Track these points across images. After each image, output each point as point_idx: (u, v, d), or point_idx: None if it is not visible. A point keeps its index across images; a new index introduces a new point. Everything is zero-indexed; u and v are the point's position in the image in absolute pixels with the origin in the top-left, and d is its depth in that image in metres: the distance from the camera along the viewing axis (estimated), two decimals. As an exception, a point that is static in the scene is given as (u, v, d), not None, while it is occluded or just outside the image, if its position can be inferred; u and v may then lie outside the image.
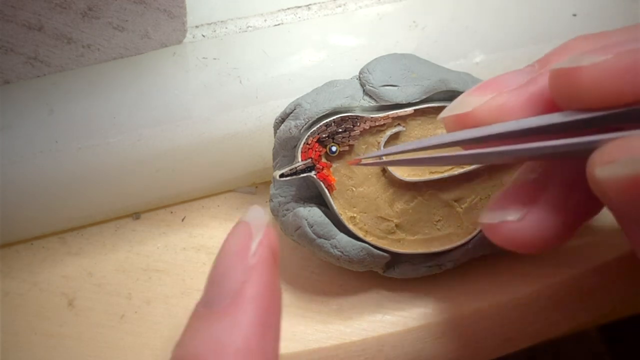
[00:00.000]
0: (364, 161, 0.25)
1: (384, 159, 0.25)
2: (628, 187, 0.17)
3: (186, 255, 0.29)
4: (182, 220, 0.31)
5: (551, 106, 0.20)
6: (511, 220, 0.21)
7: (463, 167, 0.27)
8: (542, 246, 0.21)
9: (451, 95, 0.27)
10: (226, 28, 0.31)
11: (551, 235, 0.21)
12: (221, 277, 0.20)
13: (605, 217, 0.30)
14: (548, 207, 0.21)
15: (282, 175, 0.25)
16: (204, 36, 0.31)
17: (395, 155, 0.24)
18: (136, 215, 0.31)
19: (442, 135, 0.22)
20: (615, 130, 0.18)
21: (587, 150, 0.18)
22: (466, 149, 0.22)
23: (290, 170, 0.25)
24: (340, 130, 0.25)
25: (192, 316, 0.20)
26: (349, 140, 0.26)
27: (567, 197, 0.21)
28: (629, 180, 0.17)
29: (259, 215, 0.21)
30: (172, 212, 0.31)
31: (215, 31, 0.31)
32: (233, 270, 0.20)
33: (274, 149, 0.27)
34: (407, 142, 0.25)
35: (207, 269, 0.29)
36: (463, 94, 0.22)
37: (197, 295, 0.28)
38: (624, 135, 0.17)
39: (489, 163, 0.21)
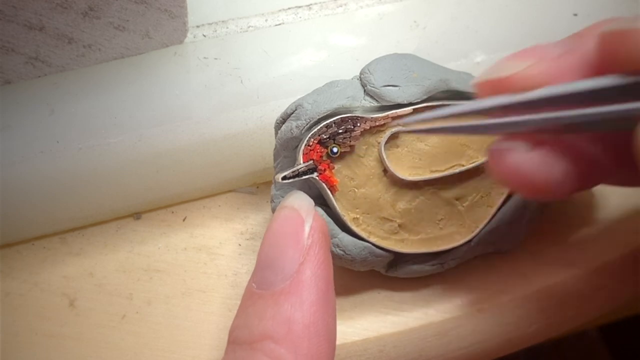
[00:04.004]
0: (410, 127, 0.24)
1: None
2: None
3: (187, 255, 0.29)
4: (183, 220, 0.31)
5: (595, 75, 0.19)
6: (520, 149, 0.20)
7: (463, 165, 0.27)
8: (542, 188, 0.20)
9: (452, 94, 0.27)
10: (227, 28, 0.31)
11: (555, 180, 0.20)
12: (276, 259, 0.21)
13: (605, 217, 0.30)
14: (561, 150, 0.20)
15: (284, 178, 0.25)
16: (204, 36, 0.31)
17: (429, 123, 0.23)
18: (137, 216, 0.31)
19: (478, 100, 0.21)
20: None
21: (632, 119, 0.17)
22: (494, 118, 0.21)
23: (292, 172, 0.25)
24: (340, 131, 0.25)
25: (248, 298, 0.21)
26: (349, 141, 0.26)
27: (585, 148, 0.20)
28: None
29: (305, 201, 0.23)
30: (173, 212, 0.31)
31: (216, 31, 0.31)
32: (289, 252, 0.21)
33: (275, 149, 0.27)
34: (439, 109, 0.22)
35: (208, 269, 0.29)
36: (501, 60, 0.21)
37: (198, 295, 0.28)
38: None
39: (520, 131, 0.20)
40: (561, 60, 0.20)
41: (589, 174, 0.21)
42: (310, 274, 0.21)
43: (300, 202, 0.23)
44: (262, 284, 0.21)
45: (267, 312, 0.20)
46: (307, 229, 0.22)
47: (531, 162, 0.20)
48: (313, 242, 0.22)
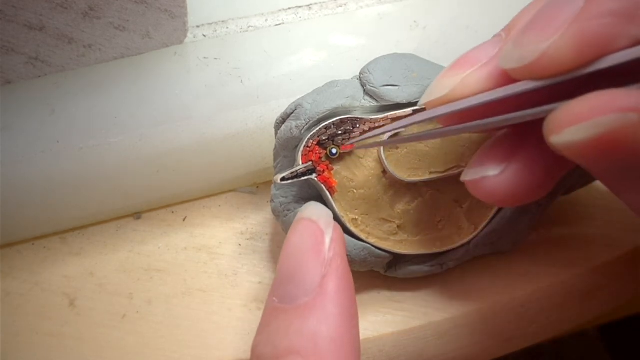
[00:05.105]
0: (356, 145, 0.25)
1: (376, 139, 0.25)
2: (583, 149, 0.17)
3: (187, 255, 0.30)
4: (184, 220, 0.31)
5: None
6: (491, 175, 0.21)
7: (463, 167, 0.27)
8: (521, 199, 0.22)
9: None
10: (227, 28, 0.31)
11: (529, 188, 0.21)
12: (297, 273, 0.21)
13: (605, 217, 0.30)
14: (525, 162, 0.21)
15: (283, 179, 0.25)
16: (205, 36, 0.31)
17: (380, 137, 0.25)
18: (137, 215, 0.31)
19: (422, 113, 0.23)
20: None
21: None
22: (445, 125, 0.23)
23: (291, 173, 0.25)
24: (340, 132, 0.25)
25: (270, 313, 0.21)
26: (349, 142, 0.26)
27: (542, 151, 0.21)
28: (580, 144, 0.17)
29: (324, 212, 0.23)
30: (173, 212, 0.31)
31: (216, 31, 0.31)
32: (310, 265, 0.21)
33: (274, 149, 0.27)
34: (395, 123, 0.25)
35: (208, 268, 0.29)
36: (438, 77, 0.22)
37: (198, 295, 0.28)
38: (564, 104, 0.18)
39: (468, 132, 0.23)
40: (490, 65, 0.21)
41: (556, 171, 0.22)
42: (334, 286, 0.20)
43: (319, 213, 0.23)
44: (284, 298, 0.21)
45: (292, 327, 0.20)
46: (327, 240, 0.22)
47: (503, 184, 0.21)
48: (335, 254, 0.21)
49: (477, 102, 0.21)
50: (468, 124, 0.21)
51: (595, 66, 0.18)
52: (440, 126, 0.23)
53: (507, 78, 0.20)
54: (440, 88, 0.22)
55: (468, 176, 0.22)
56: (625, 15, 0.18)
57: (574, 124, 0.17)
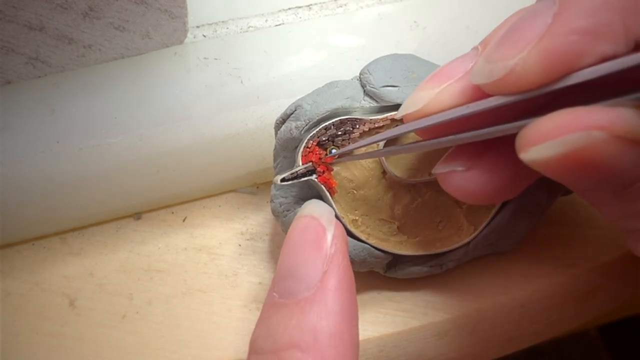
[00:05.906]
0: (336, 159, 0.26)
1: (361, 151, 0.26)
2: (551, 166, 0.18)
3: (187, 255, 0.30)
4: (183, 220, 0.31)
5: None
6: (459, 170, 0.22)
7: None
8: (489, 197, 0.22)
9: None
10: (227, 28, 0.31)
11: (496, 187, 0.22)
12: (298, 268, 0.21)
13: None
14: (493, 162, 0.22)
15: (283, 180, 0.25)
16: (205, 36, 0.31)
17: (365, 148, 0.25)
18: (137, 216, 0.31)
19: (400, 126, 0.24)
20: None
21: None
22: (423, 138, 0.24)
23: (291, 174, 0.25)
24: (339, 133, 0.25)
25: (270, 308, 0.21)
26: (348, 143, 0.26)
27: (511, 154, 0.21)
28: (547, 162, 0.18)
29: (325, 209, 0.23)
30: (173, 213, 0.31)
31: (216, 31, 0.31)
32: (311, 261, 0.21)
33: (274, 150, 0.27)
34: (374, 135, 0.25)
35: (208, 269, 0.29)
36: (416, 90, 0.23)
37: (198, 295, 0.28)
38: (532, 121, 0.18)
39: (443, 146, 0.23)
40: (464, 80, 0.21)
41: (523, 177, 0.22)
42: (335, 282, 0.21)
43: (320, 211, 0.23)
44: (285, 293, 0.21)
45: (292, 321, 0.20)
46: (329, 237, 0.22)
47: (470, 180, 0.22)
48: (336, 250, 0.22)
49: (448, 117, 0.21)
50: (442, 139, 0.22)
51: (564, 82, 0.18)
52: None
53: (481, 92, 0.21)
54: (416, 101, 0.22)
55: (438, 169, 0.23)
56: (592, 33, 0.18)
57: (541, 142, 0.18)
